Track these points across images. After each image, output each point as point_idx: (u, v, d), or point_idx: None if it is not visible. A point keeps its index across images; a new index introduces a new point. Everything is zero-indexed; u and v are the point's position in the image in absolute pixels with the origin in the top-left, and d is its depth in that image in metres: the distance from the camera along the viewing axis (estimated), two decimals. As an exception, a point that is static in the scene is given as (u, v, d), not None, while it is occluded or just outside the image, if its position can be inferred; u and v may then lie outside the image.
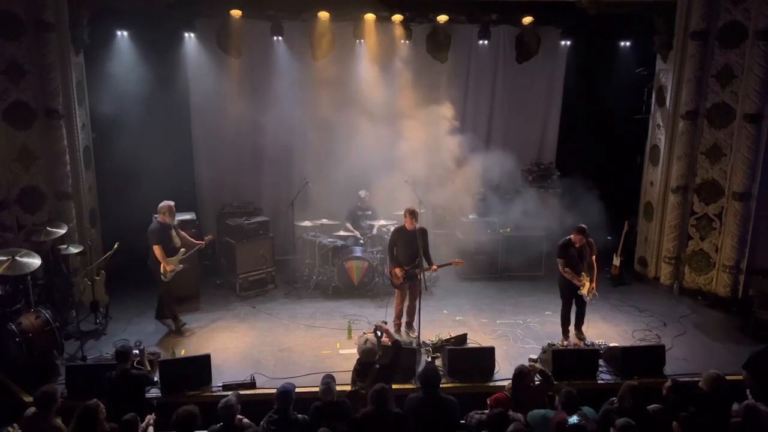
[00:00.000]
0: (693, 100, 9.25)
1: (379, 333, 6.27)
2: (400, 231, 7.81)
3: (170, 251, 7.75)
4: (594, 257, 7.69)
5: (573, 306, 7.79)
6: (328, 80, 10.07)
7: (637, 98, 10.67)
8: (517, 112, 11.25)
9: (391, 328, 7.64)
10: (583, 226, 7.57)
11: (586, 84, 10.84)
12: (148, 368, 6.62)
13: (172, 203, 7.89)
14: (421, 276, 7.55)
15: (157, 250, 7.61)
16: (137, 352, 6.61)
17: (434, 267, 7.72)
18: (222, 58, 9.85)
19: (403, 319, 8.06)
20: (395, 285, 7.85)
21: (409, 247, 7.63)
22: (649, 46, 9.90)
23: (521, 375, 5.62)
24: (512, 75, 10.99)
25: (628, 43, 10.66)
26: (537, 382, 6.12)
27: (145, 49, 9.58)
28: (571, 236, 7.56)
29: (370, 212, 9.93)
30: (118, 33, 9.43)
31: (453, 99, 10.06)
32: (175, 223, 7.97)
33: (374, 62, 10.05)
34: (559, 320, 7.96)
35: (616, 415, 5.02)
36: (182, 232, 8.14)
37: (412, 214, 7.60)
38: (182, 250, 7.89)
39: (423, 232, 7.70)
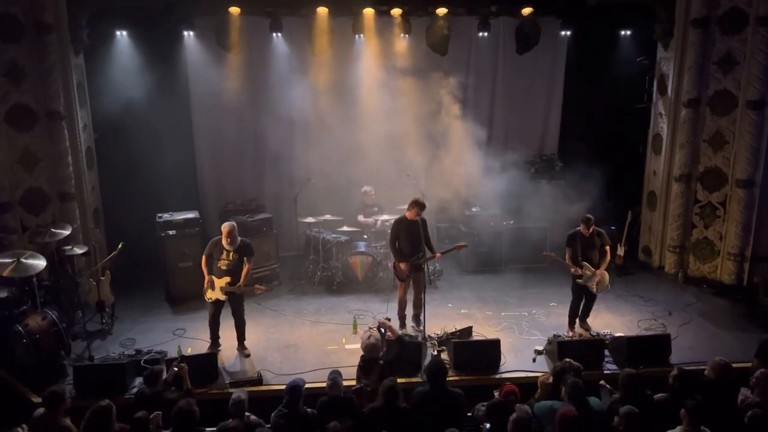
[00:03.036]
0: (695, 87, 9.21)
1: (382, 330, 6.28)
2: (401, 222, 7.74)
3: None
4: (608, 248, 7.68)
5: (582, 300, 7.80)
6: (328, 76, 10.04)
7: (638, 87, 10.62)
8: (518, 103, 11.21)
9: (395, 322, 7.66)
10: (589, 216, 7.57)
11: (587, 74, 10.79)
12: (188, 385, 5.88)
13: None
14: (426, 267, 7.54)
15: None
16: (176, 369, 5.92)
17: (437, 254, 7.68)
18: (222, 55, 9.84)
19: (410, 313, 8.05)
20: (401, 279, 7.83)
21: (413, 238, 7.60)
22: (649, 34, 9.85)
23: (564, 371, 5.61)
24: (513, 66, 10.96)
25: (628, 32, 10.59)
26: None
27: (145, 48, 9.58)
28: (579, 227, 7.57)
29: (376, 208, 9.91)
30: (118, 33, 9.43)
31: (454, 92, 10.01)
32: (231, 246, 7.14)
33: (374, 57, 10.01)
34: (563, 311, 7.99)
35: (619, 405, 5.03)
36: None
37: (418, 204, 7.55)
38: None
39: (423, 221, 7.68)
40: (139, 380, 5.93)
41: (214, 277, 7.15)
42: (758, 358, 6.01)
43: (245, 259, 7.18)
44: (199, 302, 8.91)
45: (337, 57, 10.09)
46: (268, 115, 9.95)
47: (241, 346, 7.46)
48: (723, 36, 8.85)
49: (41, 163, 8.56)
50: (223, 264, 7.16)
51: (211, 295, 7.20)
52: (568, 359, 5.92)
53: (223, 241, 7.08)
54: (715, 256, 9.43)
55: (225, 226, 7.12)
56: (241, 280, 7.13)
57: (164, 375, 5.86)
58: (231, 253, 7.12)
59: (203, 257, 7.26)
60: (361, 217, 9.86)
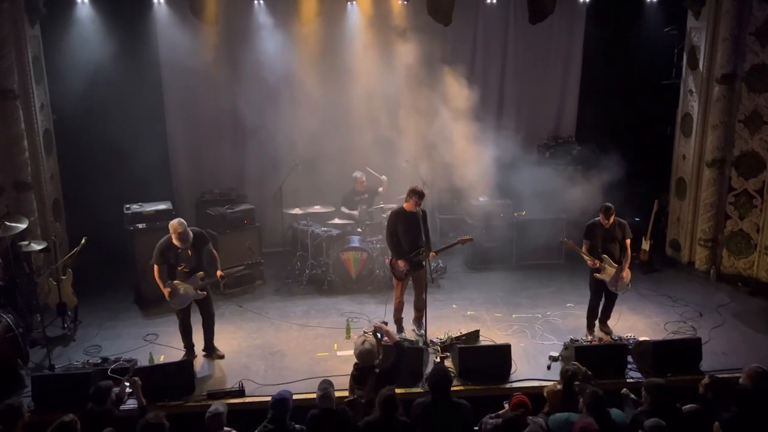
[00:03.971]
0: (729, 61, 9.19)
1: (379, 335, 6.27)
2: (398, 215, 7.71)
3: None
4: (628, 241, 7.69)
5: (602, 299, 7.81)
6: (316, 49, 10.00)
7: (666, 61, 10.61)
8: (531, 79, 11.18)
9: (392, 326, 7.65)
10: (608, 204, 7.57)
11: (608, 46, 10.77)
12: (142, 402, 5.87)
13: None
14: (427, 264, 7.54)
15: None
16: (127, 384, 5.91)
17: (432, 253, 7.65)
18: (197, 26, 9.75)
19: (409, 315, 8.05)
20: (398, 278, 7.84)
21: (412, 232, 7.59)
22: (678, 1, 9.82)
23: (573, 376, 5.61)
24: (525, 38, 10.92)
25: (654, -1, 10.57)
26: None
27: (109, 17, 9.49)
28: (599, 217, 7.58)
29: (366, 195, 9.91)
30: (79, 0, 9.35)
31: (458, 66, 9.98)
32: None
33: (368, 27, 9.97)
34: (582, 313, 8.00)
35: (644, 417, 5.04)
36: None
37: (417, 194, 7.51)
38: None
39: (424, 213, 7.68)
40: (115, 391, 5.93)
41: (177, 283, 7.12)
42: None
43: (205, 249, 7.26)
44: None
45: (326, 28, 10.05)
46: (249, 94, 9.91)
47: (213, 347, 7.51)
48: (762, 3, 8.82)
49: (-7, 149, 8.52)
50: (185, 267, 7.17)
51: (185, 300, 7.19)
52: (575, 362, 5.92)
53: (176, 242, 6.97)
54: (752, 251, 9.45)
55: (175, 226, 6.94)
56: (219, 271, 7.31)
57: (115, 390, 5.78)
58: (188, 252, 7.11)
59: (156, 267, 7.06)
60: (344, 209, 9.88)
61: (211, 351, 7.52)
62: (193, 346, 7.47)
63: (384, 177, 9.76)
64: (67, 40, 9.43)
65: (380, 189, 9.82)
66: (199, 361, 7.35)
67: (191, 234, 7.03)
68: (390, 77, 9.77)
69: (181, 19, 9.74)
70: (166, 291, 7.07)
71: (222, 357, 7.47)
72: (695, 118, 9.85)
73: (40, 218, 8.94)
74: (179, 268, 7.14)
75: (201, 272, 7.21)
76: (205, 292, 7.27)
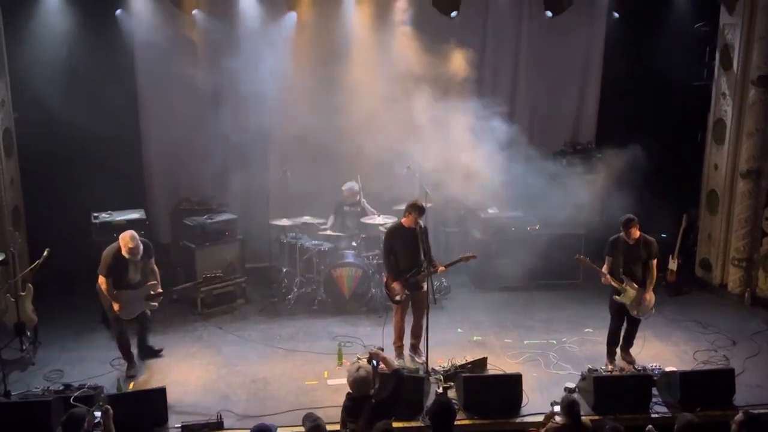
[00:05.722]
0: (766, 62, 9.24)
1: (374, 362, 6.25)
2: (396, 231, 7.78)
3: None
4: (654, 262, 7.69)
5: (624, 324, 7.81)
6: (308, 41, 10.06)
7: (696, 60, 10.65)
8: (546, 79, 11.24)
9: (390, 353, 7.64)
10: (631, 216, 7.56)
11: (632, 43, 10.82)
12: None
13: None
14: (428, 284, 7.54)
15: None
16: (97, 414, 5.92)
17: (441, 267, 7.70)
18: (176, 15, 9.80)
19: (408, 341, 8.05)
20: (393, 300, 7.85)
21: (411, 251, 7.62)
22: (711, -6, 9.90)
23: (574, 403, 5.60)
24: (540, 32, 10.98)
25: (684, -8, 10.64)
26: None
27: (80, 6, 9.53)
28: (621, 232, 7.59)
29: (359, 208, 9.93)
30: (45, -16, 9.41)
31: (466, 63, 10.03)
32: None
33: (366, 18, 10.03)
34: (601, 339, 7.99)
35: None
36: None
37: (416, 209, 7.57)
38: None
39: (423, 229, 7.70)
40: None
41: (126, 293, 7.52)
42: None
43: (149, 261, 7.73)
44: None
45: (320, 18, 10.10)
46: (233, 91, 9.94)
47: (147, 347, 8.03)
48: (802, -2, 8.91)
49: (-53, 149, 8.54)
50: (135, 277, 7.60)
51: (136, 311, 7.62)
52: (569, 386, 5.88)
53: (126, 255, 7.40)
54: (791, 272, 9.47)
55: (127, 240, 7.39)
56: (158, 280, 7.74)
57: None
58: (136, 262, 7.55)
59: (103, 279, 7.45)
60: (330, 219, 9.97)
61: (146, 352, 8.04)
62: (134, 356, 7.85)
63: (377, 214, 9.76)
64: (32, 31, 9.47)
65: (369, 217, 9.81)
66: (173, 389, 7.32)
67: (142, 247, 7.46)
68: (389, 76, 9.80)
69: (159, 7, 9.77)
70: (116, 305, 7.45)
71: (160, 351, 8.11)
72: (729, 124, 9.88)
73: (-3, 227, 8.94)
74: (128, 279, 7.56)
75: (153, 282, 7.68)
76: (156, 304, 7.72)
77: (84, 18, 9.58)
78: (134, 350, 7.91)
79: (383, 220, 9.56)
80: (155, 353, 8.10)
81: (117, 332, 7.71)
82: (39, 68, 9.35)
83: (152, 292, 7.62)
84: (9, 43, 9.33)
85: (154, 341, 8.28)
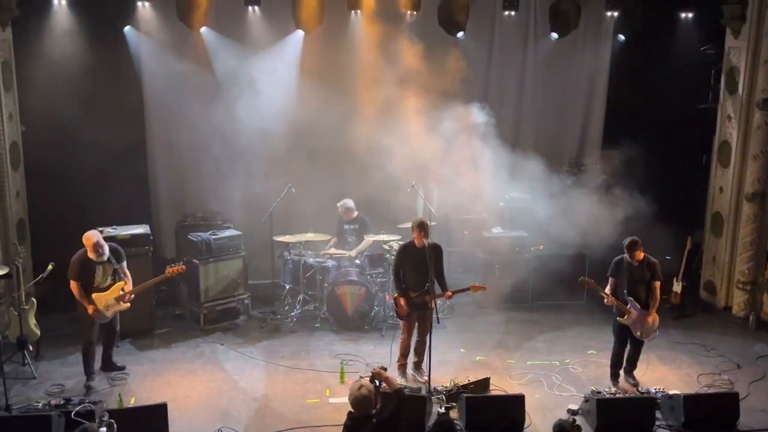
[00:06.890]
0: (772, 85, 9.30)
1: (377, 381, 6.24)
2: (407, 249, 7.82)
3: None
4: (657, 284, 7.69)
5: (628, 346, 7.79)
6: (315, 60, 10.12)
7: (701, 83, 10.69)
8: (551, 100, 11.29)
9: (393, 371, 7.62)
10: (634, 238, 7.58)
11: (637, 66, 10.87)
12: None
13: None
14: (434, 305, 7.54)
15: None
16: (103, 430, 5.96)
17: (448, 293, 7.73)
18: (184, 32, 9.90)
19: (410, 359, 8.04)
20: (401, 317, 7.85)
21: (419, 269, 7.63)
22: (716, 17, 9.93)
23: (562, 428, 5.57)
24: (545, 54, 11.04)
25: (690, 15, 10.69)
26: None
27: (88, 21, 9.64)
28: (625, 254, 7.60)
29: (357, 226, 9.94)
30: (55, 1, 9.48)
31: (471, 84, 10.08)
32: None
33: (373, 39, 10.08)
34: (605, 361, 7.97)
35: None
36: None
37: (421, 227, 7.62)
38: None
39: (436, 249, 7.71)
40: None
41: (99, 296, 7.59)
42: None
43: (120, 265, 7.79)
44: (145, 340, 8.95)
45: (327, 38, 10.19)
46: (239, 108, 9.98)
47: (112, 363, 8.06)
48: (807, 22, 8.95)
49: (-47, 162, 8.59)
50: (102, 282, 7.68)
51: (108, 313, 7.69)
52: (572, 407, 5.82)
53: (90, 255, 7.50)
54: (796, 296, 9.44)
55: (88, 237, 7.51)
56: (130, 285, 7.78)
57: None
58: (104, 266, 7.64)
59: (74, 283, 7.57)
60: (333, 240, 9.97)
61: (110, 365, 8.05)
62: (95, 370, 7.89)
63: (370, 239, 9.80)
64: (41, 45, 9.57)
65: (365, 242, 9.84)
66: (174, 404, 7.29)
67: (107, 246, 7.58)
68: (395, 95, 9.85)
69: (167, 25, 9.91)
70: (90, 307, 7.55)
71: (124, 368, 8.07)
72: (734, 147, 9.89)
73: (2, 240, 8.96)
74: (96, 284, 7.63)
75: (121, 282, 7.74)
76: (128, 305, 7.77)
77: (93, 35, 9.67)
78: (97, 365, 7.97)
79: (386, 237, 9.57)
80: (118, 368, 8.09)
81: (85, 342, 7.77)
82: (48, 83, 9.44)
83: (122, 292, 7.67)
84: (19, 58, 9.39)
85: (156, 355, 8.38)
